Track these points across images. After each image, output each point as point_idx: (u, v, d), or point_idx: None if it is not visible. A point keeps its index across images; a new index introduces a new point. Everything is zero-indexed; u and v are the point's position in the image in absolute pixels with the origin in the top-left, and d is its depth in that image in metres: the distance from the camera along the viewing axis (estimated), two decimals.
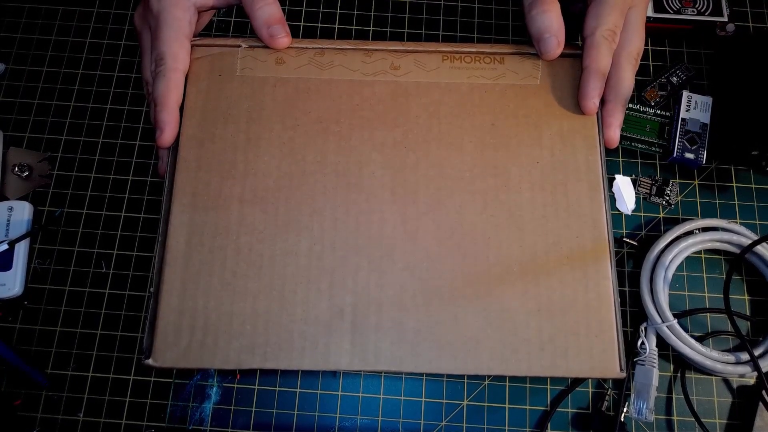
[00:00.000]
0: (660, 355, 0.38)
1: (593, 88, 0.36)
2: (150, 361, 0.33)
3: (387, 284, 0.35)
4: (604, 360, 0.34)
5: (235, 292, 0.35)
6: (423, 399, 0.38)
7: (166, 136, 0.36)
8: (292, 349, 0.34)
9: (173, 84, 0.36)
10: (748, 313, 0.40)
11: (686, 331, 0.38)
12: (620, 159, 0.43)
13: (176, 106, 0.36)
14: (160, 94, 0.36)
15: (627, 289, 0.40)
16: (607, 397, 0.38)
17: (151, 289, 0.35)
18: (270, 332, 0.34)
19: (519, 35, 0.46)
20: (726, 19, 0.43)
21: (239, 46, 0.39)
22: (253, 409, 0.38)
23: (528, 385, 0.38)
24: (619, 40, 0.37)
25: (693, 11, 0.43)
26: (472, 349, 0.34)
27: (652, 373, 0.37)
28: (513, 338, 0.34)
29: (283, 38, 0.38)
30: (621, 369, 0.34)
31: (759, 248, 0.39)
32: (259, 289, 0.35)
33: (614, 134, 0.37)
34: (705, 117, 0.42)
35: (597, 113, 0.38)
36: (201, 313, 0.34)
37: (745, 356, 0.37)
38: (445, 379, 0.38)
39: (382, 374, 0.38)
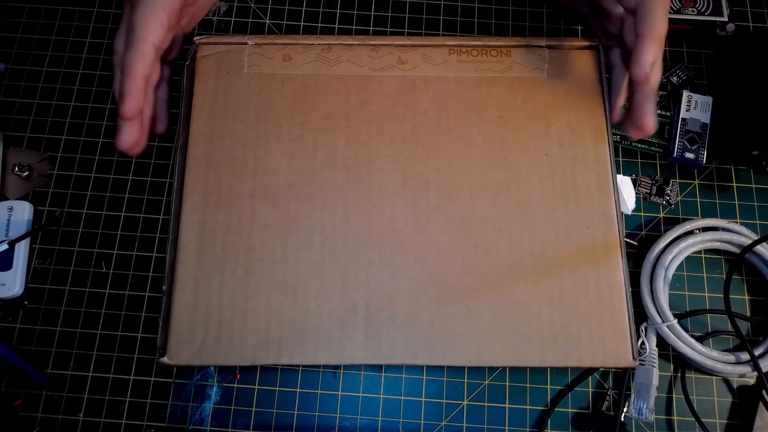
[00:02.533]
0: (660, 355, 0.38)
1: (647, 53, 0.34)
2: (165, 360, 0.34)
3: (399, 278, 0.35)
4: (616, 349, 0.34)
5: (249, 289, 0.35)
6: (423, 399, 0.38)
7: (126, 106, 0.33)
8: (306, 345, 0.34)
9: (140, 55, 0.34)
10: (748, 313, 0.40)
11: (686, 331, 0.38)
12: (620, 159, 0.43)
13: (141, 78, 0.34)
14: (125, 63, 0.34)
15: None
16: (607, 397, 0.38)
17: (164, 288, 0.35)
18: (284, 328, 0.34)
19: (519, 35, 0.46)
20: (726, 19, 0.43)
21: (246, 43, 0.39)
22: (253, 409, 0.38)
23: (528, 385, 0.38)
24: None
25: (693, 11, 0.44)
26: (485, 341, 0.34)
27: (652, 373, 0.37)
28: (526, 329, 0.34)
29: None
30: (633, 358, 0.34)
31: (759, 248, 0.39)
32: (272, 285, 0.35)
33: (649, 121, 0.35)
34: (705, 117, 0.42)
35: (605, 108, 0.38)
36: (215, 310, 0.34)
37: (745, 356, 0.37)
38: (445, 378, 0.38)
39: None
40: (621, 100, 0.38)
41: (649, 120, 0.35)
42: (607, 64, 0.39)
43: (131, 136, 0.34)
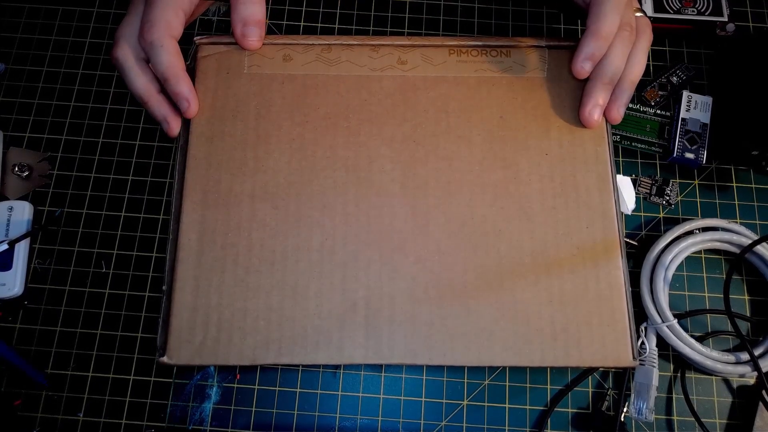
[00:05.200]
0: (660, 355, 0.38)
1: (587, 51, 0.36)
2: (165, 359, 0.34)
3: (399, 277, 0.35)
4: (616, 349, 0.34)
5: (248, 288, 0.35)
6: (423, 399, 0.38)
7: (194, 107, 0.36)
8: (306, 344, 0.34)
9: (175, 51, 0.35)
10: (748, 313, 0.40)
11: (686, 331, 0.38)
12: (620, 159, 0.43)
13: (187, 74, 0.36)
14: (169, 65, 0.35)
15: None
16: (607, 397, 0.38)
17: (164, 288, 0.35)
18: (284, 327, 0.34)
19: (519, 35, 0.46)
20: (726, 19, 0.43)
21: None
22: (253, 409, 0.38)
23: (528, 385, 0.38)
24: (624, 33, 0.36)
25: (693, 11, 0.44)
26: (485, 341, 0.34)
27: (652, 373, 0.37)
28: (526, 329, 0.34)
29: (254, 41, 0.38)
30: (633, 357, 0.34)
31: (759, 248, 0.39)
32: (271, 284, 0.35)
33: (589, 114, 0.37)
34: (705, 117, 0.42)
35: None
36: (214, 310, 0.34)
37: (745, 356, 0.37)
38: (445, 378, 0.38)
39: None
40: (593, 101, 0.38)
41: (585, 111, 0.37)
42: None
43: (179, 121, 0.37)
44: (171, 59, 0.35)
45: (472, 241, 0.36)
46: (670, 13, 0.44)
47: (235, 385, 0.38)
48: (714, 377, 0.38)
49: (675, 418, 0.38)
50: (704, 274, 0.40)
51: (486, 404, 0.38)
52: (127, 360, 0.39)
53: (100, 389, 0.38)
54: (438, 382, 0.38)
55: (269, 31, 0.46)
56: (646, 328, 0.38)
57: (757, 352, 0.37)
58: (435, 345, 0.34)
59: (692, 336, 0.38)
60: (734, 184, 0.42)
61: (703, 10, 0.44)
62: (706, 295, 0.40)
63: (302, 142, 0.37)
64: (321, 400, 0.38)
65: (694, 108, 0.42)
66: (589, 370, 0.38)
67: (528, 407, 0.38)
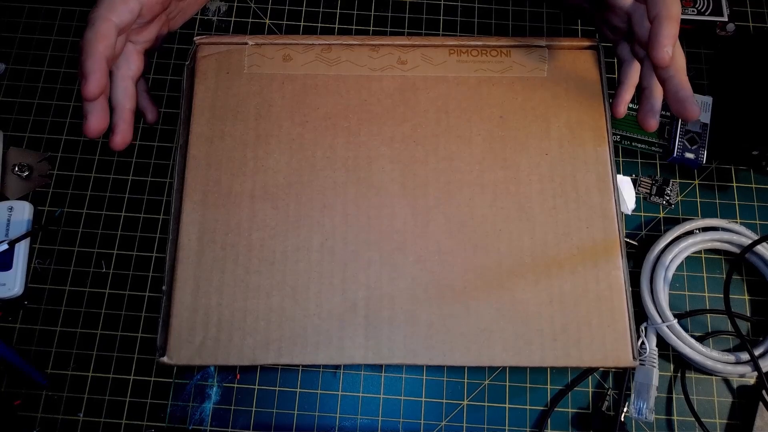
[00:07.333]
0: (660, 355, 0.38)
1: (666, 36, 0.32)
2: (165, 359, 0.34)
3: (399, 278, 0.35)
4: (616, 349, 0.34)
5: (248, 289, 0.35)
6: (423, 399, 0.38)
7: (90, 86, 0.32)
8: (306, 344, 0.34)
9: (101, 34, 0.33)
10: (748, 313, 0.40)
11: (686, 331, 0.38)
12: (620, 159, 0.43)
13: (102, 58, 0.32)
14: (85, 41, 0.33)
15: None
16: (607, 397, 0.38)
17: (164, 288, 0.35)
18: (284, 327, 0.34)
19: (519, 35, 0.46)
20: (726, 19, 0.43)
21: (246, 43, 0.39)
22: (253, 409, 0.38)
23: (528, 385, 0.38)
24: None
25: (693, 11, 0.44)
26: (485, 341, 0.34)
27: (652, 373, 0.37)
28: (526, 329, 0.34)
29: None
30: (633, 358, 0.34)
31: (759, 248, 0.39)
32: (271, 285, 0.35)
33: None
34: (705, 117, 0.42)
35: (605, 109, 0.38)
36: (214, 310, 0.35)
37: (745, 356, 0.37)
38: (445, 378, 0.38)
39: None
40: (629, 95, 0.38)
41: (693, 106, 0.33)
42: (617, 59, 0.39)
43: (100, 121, 0.33)
44: (90, 36, 0.33)
45: (472, 241, 0.36)
46: None
47: (235, 385, 0.38)
48: (714, 377, 0.38)
49: (675, 418, 0.38)
50: (704, 274, 0.40)
51: (486, 404, 0.38)
52: (127, 360, 0.39)
53: (100, 389, 0.38)
54: (438, 382, 0.38)
55: (269, 31, 0.46)
56: (646, 328, 0.38)
57: (757, 352, 0.37)
58: (435, 345, 0.34)
59: (692, 336, 0.38)
60: (734, 184, 0.42)
61: (703, 10, 0.44)
62: (706, 295, 0.40)
63: (302, 142, 0.37)
64: (321, 400, 0.38)
65: None
66: (589, 370, 0.38)
67: (528, 407, 0.38)
